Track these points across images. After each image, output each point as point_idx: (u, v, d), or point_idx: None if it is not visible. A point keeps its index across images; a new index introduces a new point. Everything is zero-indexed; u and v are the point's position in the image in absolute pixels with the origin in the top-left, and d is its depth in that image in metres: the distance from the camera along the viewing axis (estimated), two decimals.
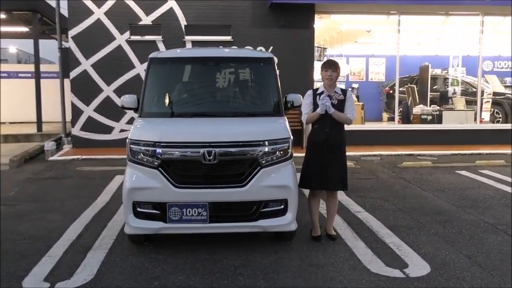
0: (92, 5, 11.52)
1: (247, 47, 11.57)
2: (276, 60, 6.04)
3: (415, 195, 7.37)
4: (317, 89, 5.30)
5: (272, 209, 4.86)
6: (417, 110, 13.54)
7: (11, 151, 10.77)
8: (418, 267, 4.59)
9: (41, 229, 5.77)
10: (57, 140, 12.11)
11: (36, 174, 9.01)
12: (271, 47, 11.89)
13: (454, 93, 14.88)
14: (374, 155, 10.98)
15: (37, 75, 13.93)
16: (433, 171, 9.29)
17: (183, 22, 11.72)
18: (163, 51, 5.90)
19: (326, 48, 16.30)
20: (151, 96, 5.50)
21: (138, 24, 11.69)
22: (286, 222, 4.87)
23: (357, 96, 16.68)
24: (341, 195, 7.24)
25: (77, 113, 11.75)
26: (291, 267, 4.57)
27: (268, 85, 5.68)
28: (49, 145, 10.75)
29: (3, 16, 15.23)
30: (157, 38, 11.67)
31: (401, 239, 5.35)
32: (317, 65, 15.24)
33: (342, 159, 5.23)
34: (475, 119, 13.12)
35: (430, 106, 13.95)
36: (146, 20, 11.68)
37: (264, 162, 4.80)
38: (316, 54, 15.17)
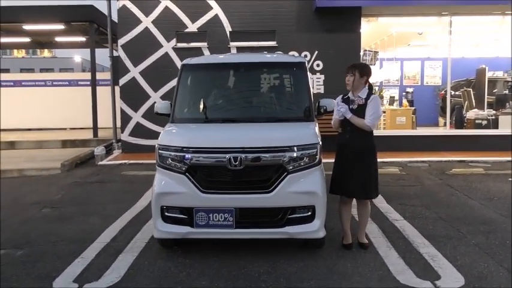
0: (140, 14, 11.86)
1: (291, 52, 11.56)
2: (306, 64, 5.94)
3: (459, 204, 7.03)
4: (347, 93, 5.16)
5: (299, 215, 4.77)
6: (471, 114, 12.96)
7: (65, 156, 11.24)
8: (451, 279, 4.36)
9: (79, 231, 5.95)
10: (108, 146, 12.52)
11: (83, 178, 9.34)
12: (316, 52, 11.78)
13: None
14: (422, 161, 10.60)
15: (93, 83, 14.47)
16: (484, 179, 8.84)
17: (227, 28, 11.84)
18: (195, 58, 5.91)
19: (378, 52, 15.97)
20: (183, 102, 5.57)
21: (184, 32, 11.93)
22: (314, 229, 4.76)
23: (411, 101, 16.25)
24: (381, 203, 7.10)
25: (125, 119, 12.11)
26: (316, 276, 4.47)
27: (299, 90, 5.61)
28: (99, 150, 11.13)
29: (62, 27, 16.03)
30: (203, 44, 11.85)
31: (438, 250, 5.10)
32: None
33: (365, 166, 5.01)
34: None
35: (486, 110, 13.32)
36: (192, 27, 11.89)
37: (291, 168, 4.72)
38: (367, 58, 14.95)
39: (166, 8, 11.85)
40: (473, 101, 14.12)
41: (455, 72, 14.79)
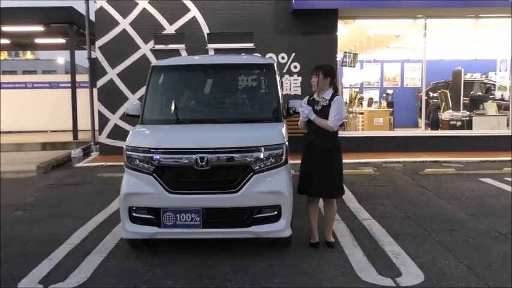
0: (117, 16, 11.87)
1: (268, 54, 11.66)
2: (275, 65, 6.02)
3: (428, 203, 7.18)
4: (312, 94, 5.25)
5: (265, 215, 4.85)
6: (446, 115, 13.19)
7: (42, 158, 11.19)
8: (411, 276, 4.46)
9: (50, 233, 5.96)
10: (87, 148, 12.49)
11: (59, 181, 9.33)
12: (294, 54, 11.90)
13: (491, 97, 14.36)
14: (397, 162, 10.77)
15: (73, 85, 14.39)
16: (455, 179, 9.01)
17: (205, 30, 11.90)
18: (164, 60, 5.97)
19: (358, 54, 16.14)
20: (152, 103, 5.63)
21: (162, 34, 11.96)
22: (280, 228, 4.84)
23: (391, 103, 16.41)
24: (352, 203, 7.22)
25: (103, 121, 12.10)
26: (281, 274, 4.54)
27: (268, 91, 5.71)
28: (76, 152, 11.13)
29: (42, 29, 15.94)
30: (181, 46, 11.89)
31: (402, 248, 5.21)
32: (348, 71, 15.21)
33: (329, 166, 5.10)
34: (508, 125, 12.62)
35: (461, 112, 13.55)
36: (170, 29, 11.93)
37: (257, 168, 4.80)
38: (347, 60, 15.06)
39: (144, 9, 11.87)
40: (450, 102, 14.35)
41: (434, 74, 15.02)
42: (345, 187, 8.01)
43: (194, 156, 4.71)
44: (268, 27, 11.87)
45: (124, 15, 11.89)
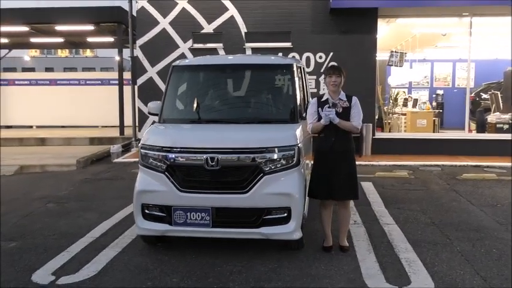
0: (158, 15, 12.13)
1: (306, 54, 11.57)
2: (298, 66, 5.98)
3: (459, 210, 6.89)
4: (321, 96, 5.13)
5: (275, 216, 4.82)
6: (492, 118, 12.61)
7: (84, 153, 11.61)
8: (420, 285, 4.31)
9: (74, 226, 6.17)
10: (128, 144, 12.84)
11: (94, 175, 9.64)
12: (331, 53, 11.73)
13: None
14: (436, 165, 10.40)
15: (120, 82, 14.87)
16: (494, 185, 8.60)
17: (243, 29, 11.95)
18: (186, 59, 6.04)
19: (405, 53, 15.71)
20: (170, 103, 5.70)
21: (200, 33, 12.13)
22: (289, 230, 4.79)
23: (441, 103, 15.92)
24: (378, 206, 7.06)
25: (142, 118, 12.41)
26: (285, 277, 4.49)
27: (286, 92, 5.65)
28: (114, 148, 11.44)
29: (92, 28, 16.57)
30: (219, 45, 12.00)
31: (419, 255, 5.03)
32: (395, 71, 14.83)
33: (349, 168, 5.05)
34: None
35: (509, 114, 12.91)
36: (208, 28, 12.07)
37: (267, 169, 4.77)
38: (394, 59, 14.68)
39: (183, 9, 12.07)
40: (501, 104, 13.72)
41: (489, 74, 14.41)
42: (374, 189, 7.92)
43: (204, 156, 4.75)
44: (306, 26, 11.77)
45: (164, 15, 12.13)
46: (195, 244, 5.27)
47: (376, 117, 12.82)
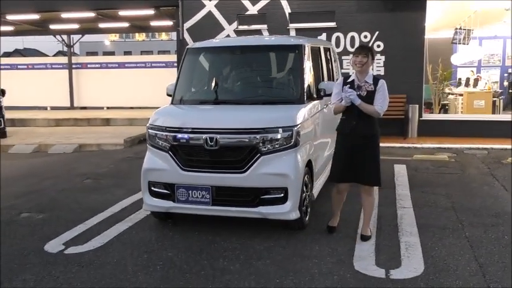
0: None
1: (350, 33, 11.35)
2: (313, 47, 5.93)
3: (487, 195, 6.59)
4: (348, 76, 4.92)
5: (272, 196, 4.91)
6: None
7: (136, 133, 12.19)
8: (409, 269, 4.23)
9: (100, 201, 6.56)
10: None
11: (136, 154, 10.10)
12: (377, 32, 11.41)
13: None
14: (484, 148, 9.92)
15: (179, 64, 15.30)
16: None
17: (287, 10, 11.89)
18: (199, 42, 6.17)
19: (472, 30, 14.91)
20: (182, 85, 5.87)
21: (245, 15, 12.21)
22: (286, 210, 4.86)
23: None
24: (402, 189, 6.95)
25: None
26: (276, 256, 4.57)
27: (294, 73, 5.64)
28: None
29: (152, 12, 17.18)
30: (263, 27, 12.03)
31: (421, 240, 4.92)
32: (460, 49, 14.13)
33: (372, 152, 4.81)
34: None
35: None
36: (252, 9, 12.12)
37: (264, 149, 4.85)
38: (458, 37, 13.99)
39: None
40: None
41: None
42: (405, 172, 7.73)
43: (204, 136, 4.90)
44: (350, 5, 11.51)
45: None
46: (202, 221, 5.45)
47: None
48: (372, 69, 5.01)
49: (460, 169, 8.23)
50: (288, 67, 5.76)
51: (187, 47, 6.00)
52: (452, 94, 13.70)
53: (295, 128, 4.90)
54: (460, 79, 14.79)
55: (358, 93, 4.73)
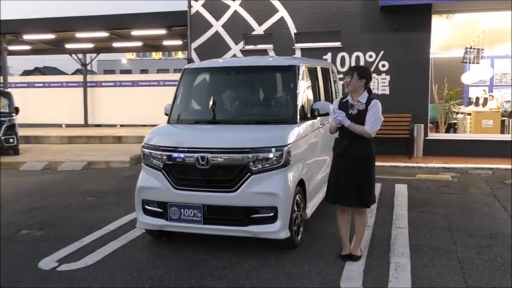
0: (211, 19, 12.56)
1: (355, 53, 11.42)
2: (308, 67, 6.01)
3: (486, 215, 6.53)
4: (345, 96, 4.94)
5: (262, 215, 4.95)
6: None
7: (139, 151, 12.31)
8: None
9: (99, 219, 6.66)
10: None
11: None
12: (382, 52, 11.46)
13: None
14: (488, 168, 9.84)
15: None
16: None
17: (292, 30, 12.04)
18: (196, 63, 6.31)
19: (483, 49, 14.87)
20: (177, 104, 5.99)
21: (251, 34, 12.38)
22: (275, 229, 4.89)
23: None
24: (400, 209, 6.93)
25: None
26: (263, 275, 4.58)
27: (287, 93, 5.72)
28: None
29: (164, 32, 17.57)
30: (269, 46, 12.19)
31: (412, 260, 4.89)
32: (471, 68, 14.09)
33: (362, 174, 4.79)
34: None
35: None
36: (259, 29, 12.29)
37: (254, 169, 4.90)
38: (468, 56, 13.98)
39: (235, 11, 12.39)
40: None
41: None
42: (405, 192, 7.70)
43: (195, 155, 4.98)
44: (356, 25, 11.61)
45: (217, 18, 12.54)
46: (196, 239, 5.50)
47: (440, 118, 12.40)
48: (371, 89, 4.97)
49: (462, 189, 8.17)
50: (282, 87, 5.84)
51: (184, 67, 6.13)
52: (461, 113, 13.65)
53: (286, 148, 4.95)
54: (470, 98, 14.73)
55: (350, 112, 4.76)
